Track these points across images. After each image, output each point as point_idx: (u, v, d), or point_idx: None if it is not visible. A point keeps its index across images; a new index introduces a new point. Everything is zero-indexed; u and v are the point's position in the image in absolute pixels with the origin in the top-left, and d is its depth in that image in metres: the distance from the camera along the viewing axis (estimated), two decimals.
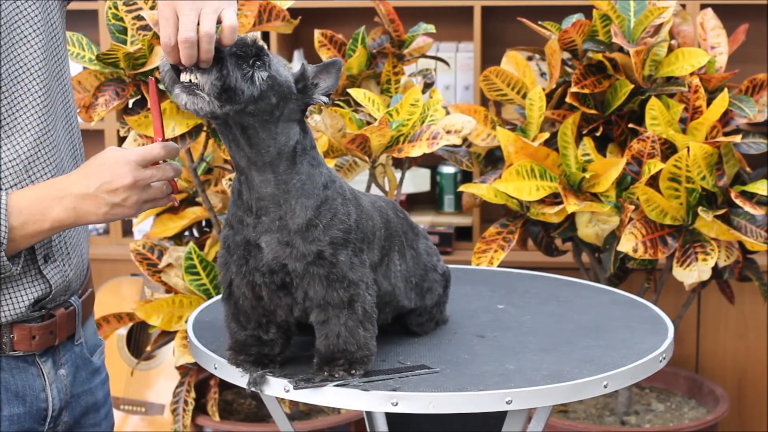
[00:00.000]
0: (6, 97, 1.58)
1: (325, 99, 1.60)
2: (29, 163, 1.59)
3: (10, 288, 1.60)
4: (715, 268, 2.68)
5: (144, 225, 3.50)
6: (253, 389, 1.64)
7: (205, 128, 2.42)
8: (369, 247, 1.66)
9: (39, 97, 1.61)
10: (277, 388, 1.62)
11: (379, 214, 1.73)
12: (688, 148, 2.56)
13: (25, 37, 1.61)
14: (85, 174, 1.55)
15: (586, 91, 2.70)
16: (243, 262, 1.62)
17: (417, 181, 3.55)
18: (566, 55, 2.85)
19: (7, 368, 1.62)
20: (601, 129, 2.78)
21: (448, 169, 3.55)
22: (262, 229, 1.59)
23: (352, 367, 1.61)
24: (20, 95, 1.59)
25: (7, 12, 1.59)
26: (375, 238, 1.68)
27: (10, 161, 1.58)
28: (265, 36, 3.40)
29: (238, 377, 1.67)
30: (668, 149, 2.67)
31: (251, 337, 1.66)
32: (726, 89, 2.65)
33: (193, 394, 2.81)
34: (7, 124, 1.58)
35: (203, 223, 2.92)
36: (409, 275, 1.78)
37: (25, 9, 1.61)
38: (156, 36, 2.37)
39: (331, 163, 2.56)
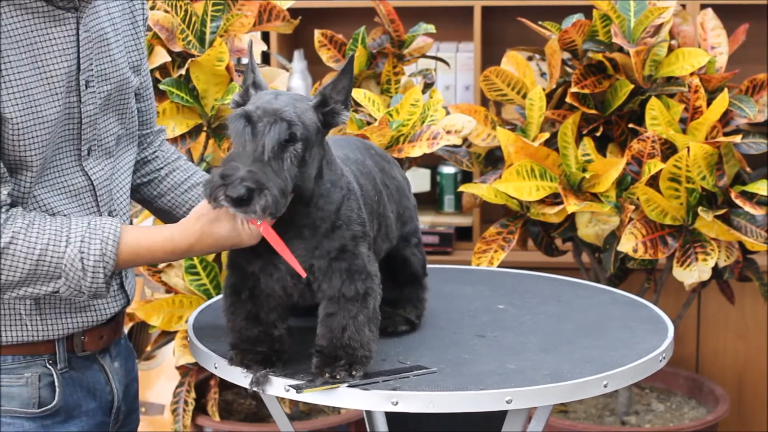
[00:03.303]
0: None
1: (346, 115, 1.61)
2: (110, 183, 1.72)
3: (100, 301, 1.71)
4: (715, 268, 2.68)
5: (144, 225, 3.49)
6: (255, 389, 1.64)
7: (205, 128, 2.43)
8: (371, 226, 1.69)
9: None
10: (278, 388, 1.62)
11: (371, 180, 1.75)
12: (688, 148, 2.56)
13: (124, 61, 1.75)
14: (200, 246, 1.64)
15: (586, 91, 2.70)
16: (273, 268, 1.64)
17: (417, 181, 3.55)
18: (566, 55, 2.84)
19: (77, 367, 1.71)
20: (601, 129, 2.78)
21: (448, 169, 3.55)
22: (288, 238, 1.61)
23: (353, 368, 1.61)
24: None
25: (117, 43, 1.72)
26: (373, 212, 1.71)
27: (102, 180, 1.70)
28: (265, 36, 3.40)
29: (239, 377, 1.67)
30: (668, 149, 2.67)
31: (263, 333, 1.67)
32: (726, 89, 2.65)
33: (193, 394, 2.81)
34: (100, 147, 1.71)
35: None
36: (398, 209, 1.83)
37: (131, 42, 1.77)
38: (156, 36, 2.37)
39: None
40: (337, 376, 1.60)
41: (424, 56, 2.90)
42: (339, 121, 1.60)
